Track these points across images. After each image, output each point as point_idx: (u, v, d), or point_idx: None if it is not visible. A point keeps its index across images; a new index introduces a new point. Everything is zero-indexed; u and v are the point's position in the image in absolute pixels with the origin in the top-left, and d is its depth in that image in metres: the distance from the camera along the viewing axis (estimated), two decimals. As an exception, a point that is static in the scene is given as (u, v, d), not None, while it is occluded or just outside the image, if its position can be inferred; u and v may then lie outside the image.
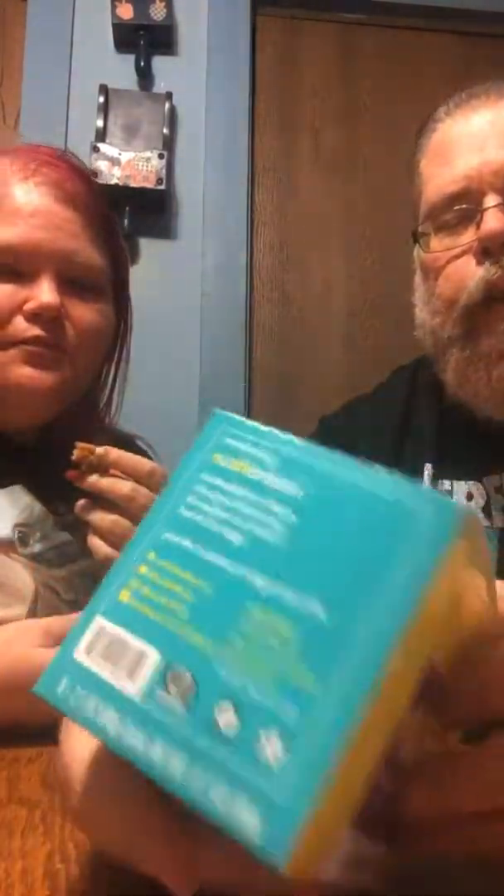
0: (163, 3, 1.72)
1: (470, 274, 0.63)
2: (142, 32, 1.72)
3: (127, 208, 1.64)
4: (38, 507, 0.69)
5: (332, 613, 0.20)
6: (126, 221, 1.65)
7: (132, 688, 0.21)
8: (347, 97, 1.89)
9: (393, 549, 0.21)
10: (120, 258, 0.75)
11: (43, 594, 0.66)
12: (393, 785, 0.23)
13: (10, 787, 0.39)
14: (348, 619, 0.20)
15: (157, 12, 1.72)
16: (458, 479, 0.68)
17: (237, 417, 0.25)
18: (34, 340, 0.66)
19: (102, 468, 0.63)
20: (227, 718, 0.20)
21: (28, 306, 0.65)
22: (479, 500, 0.67)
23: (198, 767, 0.19)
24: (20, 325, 0.66)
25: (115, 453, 0.63)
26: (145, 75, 1.76)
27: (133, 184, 1.63)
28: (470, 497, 0.67)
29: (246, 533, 0.22)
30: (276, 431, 0.25)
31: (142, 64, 1.73)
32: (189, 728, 0.20)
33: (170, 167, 1.71)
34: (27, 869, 0.29)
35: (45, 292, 0.65)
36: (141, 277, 1.62)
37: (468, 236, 0.64)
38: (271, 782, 0.18)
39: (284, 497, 0.23)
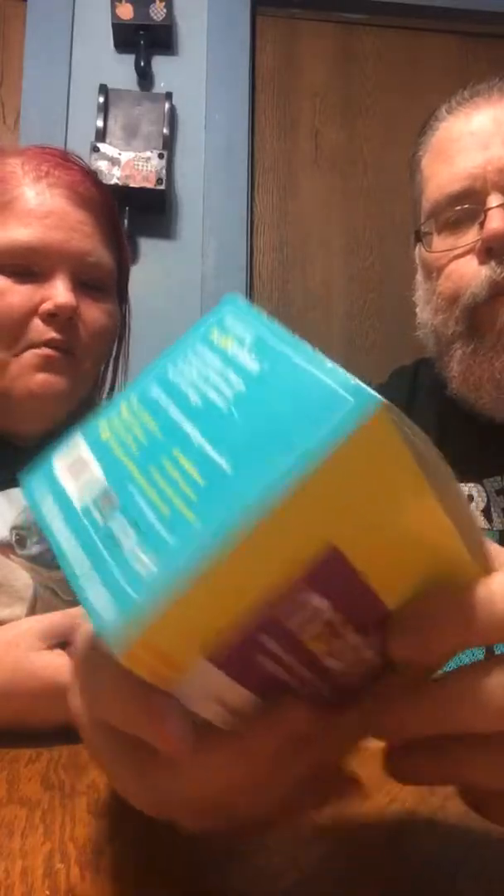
0: (162, 4, 1.72)
1: (472, 273, 0.63)
2: (142, 32, 1.72)
3: (127, 208, 1.64)
4: None
5: (237, 467, 0.23)
6: (126, 221, 1.65)
7: (78, 501, 0.25)
8: (347, 97, 1.89)
9: (306, 421, 0.23)
10: (124, 258, 0.76)
11: (42, 594, 0.66)
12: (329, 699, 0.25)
13: (10, 787, 0.39)
14: (247, 473, 0.22)
15: (157, 12, 1.72)
16: (459, 481, 0.68)
17: (245, 303, 0.28)
18: (49, 343, 0.66)
19: None
20: (126, 535, 0.23)
21: (45, 306, 0.66)
22: (479, 503, 0.67)
23: (94, 570, 0.23)
24: (37, 328, 0.66)
25: None
26: (145, 75, 1.76)
27: (133, 184, 1.63)
28: (470, 499, 0.67)
29: (203, 396, 0.25)
30: (268, 319, 0.27)
31: (142, 64, 1.73)
32: (99, 539, 0.23)
33: (170, 167, 1.71)
34: (27, 869, 0.29)
35: (61, 293, 0.66)
36: (141, 277, 1.62)
37: (471, 236, 0.64)
38: (134, 584, 0.22)
39: (243, 370, 0.25)
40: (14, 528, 0.68)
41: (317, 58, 1.90)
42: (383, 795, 0.36)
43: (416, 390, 0.77)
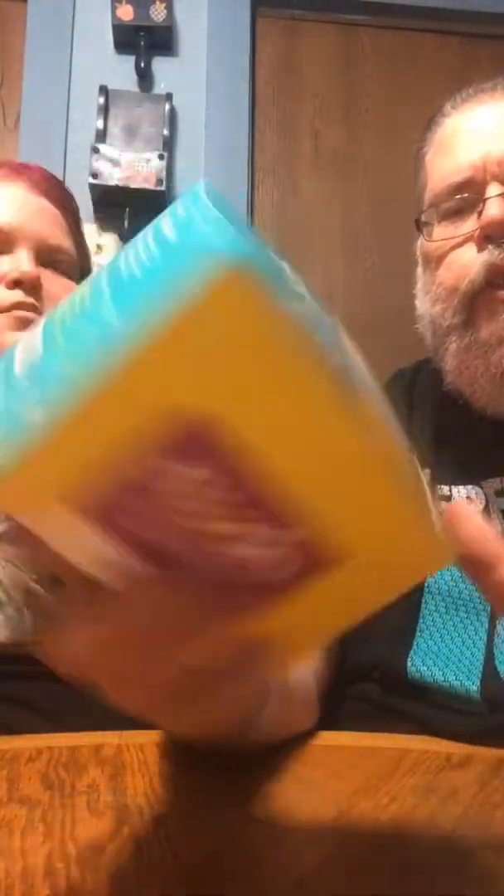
0: (163, 5, 1.72)
1: (471, 261, 0.64)
2: (142, 33, 1.72)
3: (127, 209, 1.64)
4: None
5: (120, 315, 0.22)
6: (126, 222, 1.65)
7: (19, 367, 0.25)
8: (347, 98, 1.89)
9: (164, 287, 0.22)
10: (86, 256, 0.83)
11: (2, 576, 0.67)
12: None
13: (10, 786, 0.39)
14: (124, 321, 0.22)
15: (157, 13, 1.72)
16: (457, 483, 0.68)
17: (203, 192, 0.26)
18: (19, 305, 0.73)
19: None
20: (22, 367, 0.24)
21: (11, 275, 0.73)
22: (477, 505, 0.67)
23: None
24: (4, 294, 0.73)
25: None
26: (145, 76, 1.76)
27: (133, 185, 1.63)
28: (468, 501, 0.67)
29: (128, 265, 0.24)
30: (219, 202, 0.25)
31: (142, 65, 1.73)
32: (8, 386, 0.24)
33: (170, 168, 1.71)
34: (27, 869, 0.29)
35: (24, 263, 0.74)
36: (141, 278, 1.62)
37: (470, 225, 0.65)
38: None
39: (161, 239, 0.24)
40: None
41: (317, 58, 1.90)
42: (383, 795, 0.36)
43: (414, 393, 0.77)
